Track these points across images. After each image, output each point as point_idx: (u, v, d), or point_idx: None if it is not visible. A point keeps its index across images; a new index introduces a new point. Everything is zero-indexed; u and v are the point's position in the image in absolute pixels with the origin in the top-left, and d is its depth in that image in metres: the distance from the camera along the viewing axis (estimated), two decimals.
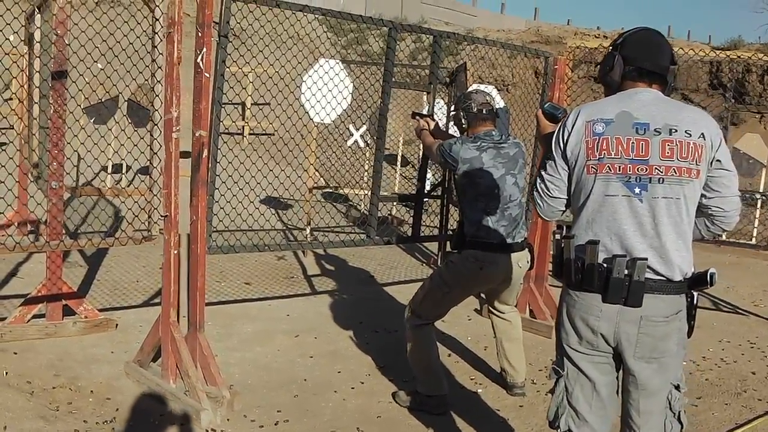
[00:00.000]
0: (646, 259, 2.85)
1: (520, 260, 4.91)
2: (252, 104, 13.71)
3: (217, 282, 7.47)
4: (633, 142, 2.86)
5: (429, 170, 10.98)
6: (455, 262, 4.90)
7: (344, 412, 4.79)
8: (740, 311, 7.74)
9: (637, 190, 2.86)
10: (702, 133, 2.86)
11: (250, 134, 13.62)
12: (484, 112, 4.91)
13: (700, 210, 2.98)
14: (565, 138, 2.99)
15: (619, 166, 2.87)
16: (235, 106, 13.59)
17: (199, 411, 4.41)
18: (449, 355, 5.87)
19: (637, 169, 2.85)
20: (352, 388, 5.17)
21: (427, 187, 9.88)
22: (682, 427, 3.05)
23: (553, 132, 3.10)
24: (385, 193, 9.22)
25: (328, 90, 7.02)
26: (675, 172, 2.84)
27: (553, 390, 3.14)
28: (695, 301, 2.98)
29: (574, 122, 2.97)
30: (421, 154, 6.35)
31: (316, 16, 5.65)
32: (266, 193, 7.17)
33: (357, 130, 10.69)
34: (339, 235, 10.06)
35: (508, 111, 7.22)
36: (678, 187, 2.85)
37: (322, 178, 11.41)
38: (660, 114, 2.89)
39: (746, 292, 8.55)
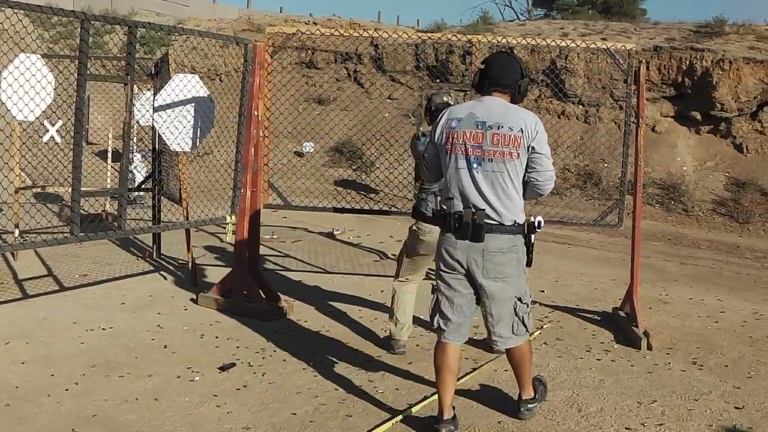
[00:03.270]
0: (484, 210, 4.24)
1: (431, 231, 5.61)
2: None
3: None
4: (474, 134, 4.27)
5: (143, 163, 10.85)
6: None
7: (59, 416, 4.66)
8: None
9: (475, 166, 4.26)
10: (521, 128, 4.23)
11: None
12: (432, 109, 5.83)
13: (526, 181, 4.33)
14: (436, 129, 4.46)
15: (464, 149, 4.29)
16: None
17: None
18: (165, 347, 5.91)
19: (476, 152, 4.26)
20: (66, 390, 5.04)
21: (139, 180, 9.77)
22: (527, 330, 4.51)
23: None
24: (89, 189, 8.94)
25: (30, 86, 6.77)
26: (500, 155, 4.23)
27: (433, 300, 4.54)
28: (531, 240, 4.36)
29: (441, 119, 4.45)
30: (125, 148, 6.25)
31: (2, 8, 5.42)
32: None
33: (53, 125, 10.27)
34: (47, 235, 9.64)
35: (212, 100, 7.25)
36: (502, 164, 4.24)
37: (28, 178, 10.87)
38: (495, 115, 4.28)
39: None
